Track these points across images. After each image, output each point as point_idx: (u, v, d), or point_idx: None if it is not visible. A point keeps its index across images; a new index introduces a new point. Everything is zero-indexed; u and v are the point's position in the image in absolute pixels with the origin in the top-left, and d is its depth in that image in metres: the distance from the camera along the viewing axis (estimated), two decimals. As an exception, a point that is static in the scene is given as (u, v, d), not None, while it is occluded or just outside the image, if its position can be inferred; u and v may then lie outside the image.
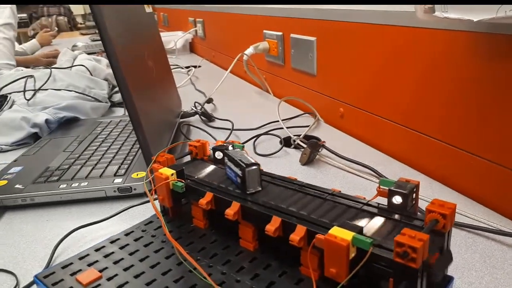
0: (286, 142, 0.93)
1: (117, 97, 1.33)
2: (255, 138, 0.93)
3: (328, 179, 0.74)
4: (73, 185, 0.70)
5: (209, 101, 1.25)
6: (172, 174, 0.50)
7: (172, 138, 0.91)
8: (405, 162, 0.79)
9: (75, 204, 0.70)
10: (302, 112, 1.11)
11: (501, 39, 0.56)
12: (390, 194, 0.42)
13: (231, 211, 0.45)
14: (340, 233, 0.35)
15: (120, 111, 1.26)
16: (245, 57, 1.31)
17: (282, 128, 0.98)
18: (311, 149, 0.80)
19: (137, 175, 0.74)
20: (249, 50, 1.31)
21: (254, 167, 0.45)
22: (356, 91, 0.93)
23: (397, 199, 0.42)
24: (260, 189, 0.46)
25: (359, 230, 0.36)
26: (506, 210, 0.60)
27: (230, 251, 0.47)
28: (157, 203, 0.54)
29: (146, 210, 0.66)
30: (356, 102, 0.94)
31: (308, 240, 0.40)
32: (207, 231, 0.51)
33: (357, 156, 0.80)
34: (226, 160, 0.49)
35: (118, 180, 0.72)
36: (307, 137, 0.93)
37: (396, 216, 0.41)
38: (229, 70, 1.28)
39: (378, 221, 0.40)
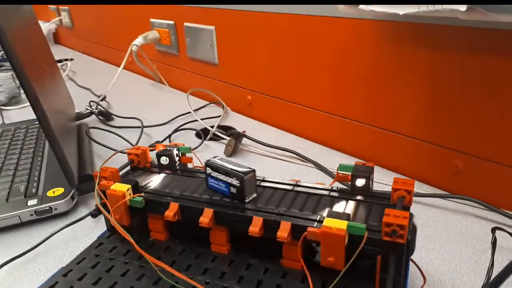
0: (203, 134, 0.92)
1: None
2: (170, 134, 0.89)
3: (256, 167, 0.76)
4: (-24, 217, 0.59)
5: (102, 98, 1.15)
6: (128, 190, 0.46)
7: (77, 145, 0.82)
8: (322, 143, 0.85)
9: (-18, 239, 0.59)
10: (207, 103, 1.11)
11: (405, 29, 0.63)
12: (353, 178, 0.46)
13: (205, 219, 0.43)
14: (334, 224, 0.37)
15: (-5, 119, 1.08)
16: (134, 48, 1.24)
17: (195, 121, 0.96)
18: (236, 140, 0.81)
19: (53, 192, 0.65)
20: (139, 40, 1.23)
21: (251, 173, 0.44)
22: (262, 78, 0.95)
23: (360, 182, 0.45)
24: (256, 195, 0.46)
25: (348, 218, 0.38)
26: (433, 181, 0.68)
27: (204, 258, 0.46)
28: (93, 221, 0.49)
29: (76, 230, 0.59)
30: (263, 89, 0.97)
31: (292, 234, 0.41)
32: (170, 243, 0.49)
33: (276, 141, 0.83)
34: (209, 170, 0.47)
35: (32, 201, 0.63)
36: (221, 128, 0.93)
37: (363, 198, 0.44)
38: (123, 63, 1.20)
39: (351, 205, 0.43)
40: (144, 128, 0.94)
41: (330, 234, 0.37)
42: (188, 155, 0.56)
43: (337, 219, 0.38)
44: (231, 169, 0.44)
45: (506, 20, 0.45)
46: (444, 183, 0.66)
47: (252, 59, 0.96)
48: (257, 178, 0.50)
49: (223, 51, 1.04)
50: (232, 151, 0.81)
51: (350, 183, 0.46)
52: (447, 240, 0.54)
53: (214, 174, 0.46)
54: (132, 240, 0.42)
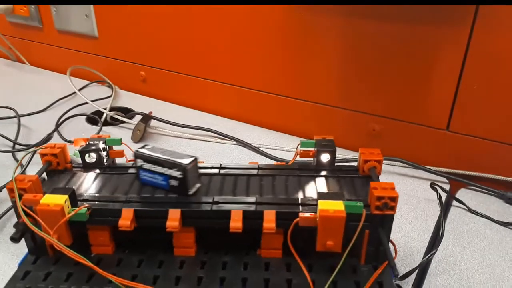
0: (94, 120, 0.80)
1: None
2: (59, 123, 0.75)
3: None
4: None
5: None
6: (65, 201, 0.36)
7: None
8: (233, 118, 0.81)
9: None
10: (88, 82, 0.96)
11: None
12: (318, 153, 0.44)
13: (173, 222, 0.37)
14: (330, 206, 0.35)
15: None
16: (-22, 20, 1.00)
17: (82, 104, 0.83)
18: (145, 124, 0.72)
19: None
20: (-19, 11, 0.99)
21: (193, 162, 0.38)
22: (157, 51, 0.86)
23: (326, 157, 0.44)
24: (200, 185, 0.40)
25: (341, 197, 0.36)
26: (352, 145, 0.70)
27: (170, 266, 0.40)
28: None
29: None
30: (159, 63, 0.88)
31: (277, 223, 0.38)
32: (120, 255, 0.41)
33: (185, 120, 0.76)
34: (140, 163, 0.39)
35: None
36: (116, 110, 0.82)
37: (330, 173, 0.43)
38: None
39: (322, 181, 0.42)
40: (22, 118, 0.78)
41: (330, 217, 0.35)
42: (116, 148, 0.47)
43: (331, 200, 0.36)
44: (169, 159, 0.38)
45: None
46: (363, 146, 0.70)
47: (143, 29, 0.85)
48: (214, 166, 0.45)
49: (104, 21, 0.91)
50: (142, 136, 0.72)
51: (312, 159, 0.45)
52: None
53: (147, 166, 0.39)
54: (89, 263, 0.33)
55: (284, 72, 0.72)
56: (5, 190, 0.55)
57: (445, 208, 0.56)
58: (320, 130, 0.71)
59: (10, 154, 0.67)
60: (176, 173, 0.38)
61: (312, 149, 0.45)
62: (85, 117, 0.80)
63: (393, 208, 0.36)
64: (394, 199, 0.36)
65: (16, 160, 0.66)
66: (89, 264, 0.33)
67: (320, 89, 0.70)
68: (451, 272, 0.46)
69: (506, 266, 0.47)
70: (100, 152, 0.45)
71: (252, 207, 0.38)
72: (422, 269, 0.46)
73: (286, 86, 0.73)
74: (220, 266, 0.40)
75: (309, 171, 0.44)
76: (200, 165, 0.42)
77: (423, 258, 0.46)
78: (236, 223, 0.37)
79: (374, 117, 0.67)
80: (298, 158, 0.46)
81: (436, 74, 0.59)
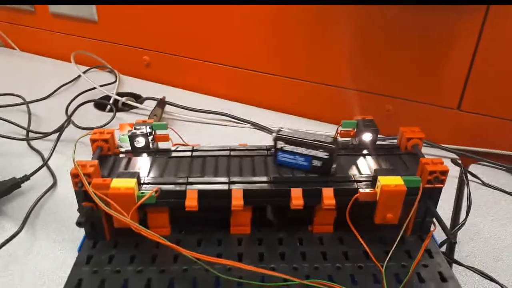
0: (102, 105, 0.79)
1: None
2: (74, 110, 0.73)
3: (192, 136, 0.70)
4: None
5: None
6: (136, 184, 0.37)
7: None
8: (240, 101, 0.82)
9: None
10: (87, 68, 0.94)
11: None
12: (360, 133, 0.46)
13: (238, 201, 0.38)
14: (390, 181, 0.37)
15: None
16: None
17: (89, 90, 0.81)
18: (162, 109, 0.72)
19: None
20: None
21: (338, 144, 0.41)
22: (162, 35, 0.85)
23: (368, 137, 0.46)
24: (335, 165, 0.42)
25: (398, 172, 0.39)
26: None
27: (229, 244, 0.41)
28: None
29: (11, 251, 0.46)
30: (164, 47, 0.87)
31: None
32: (178, 236, 0.42)
33: (196, 105, 0.77)
34: (281, 145, 0.41)
35: None
36: (122, 96, 0.81)
37: (375, 151, 0.46)
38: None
39: (372, 160, 0.44)
40: (30, 104, 0.75)
41: (392, 191, 0.37)
42: (159, 132, 0.47)
43: (390, 176, 0.38)
44: (314, 140, 0.40)
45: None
46: (380, 127, 0.73)
47: (145, 12, 0.84)
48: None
49: (105, 5, 0.89)
50: (158, 122, 0.72)
51: (352, 138, 0.47)
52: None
53: (289, 148, 0.41)
54: (173, 245, 0.34)
55: (295, 55, 0.73)
56: (32, 179, 0.55)
57: (460, 182, 0.60)
58: (336, 113, 0.74)
59: (24, 142, 0.66)
60: (321, 153, 0.40)
61: (353, 129, 0.47)
62: (92, 103, 0.79)
63: (442, 182, 0.39)
64: (445, 173, 0.39)
65: (32, 148, 0.65)
66: (173, 245, 0.34)
67: (335, 72, 0.72)
68: (478, 241, 0.50)
69: (524, 233, 0.51)
70: (148, 137, 0.45)
71: (312, 185, 0.40)
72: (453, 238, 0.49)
73: (298, 69, 0.75)
74: (276, 242, 0.42)
75: (353, 150, 0.46)
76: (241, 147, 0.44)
77: (450, 228, 0.50)
78: (297, 201, 0.39)
79: (388, 98, 0.69)
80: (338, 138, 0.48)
81: (450, 57, 0.62)
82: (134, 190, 0.36)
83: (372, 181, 0.39)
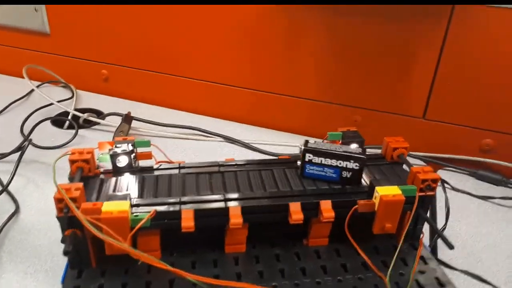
0: (60, 122, 0.74)
1: None
2: (33, 129, 0.67)
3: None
4: None
5: None
6: (130, 207, 0.34)
7: None
8: (206, 114, 0.80)
9: None
10: (39, 83, 0.87)
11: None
12: (347, 144, 0.46)
13: (237, 219, 0.37)
14: (388, 191, 0.38)
15: None
16: None
17: (45, 106, 0.76)
18: (128, 124, 0.69)
19: None
20: None
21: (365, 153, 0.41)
22: (121, 48, 0.82)
23: (354, 147, 0.47)
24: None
25: (391, 182, 0.39)
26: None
27: (226, 264, 0.40)
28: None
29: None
30: (124, 60, 0.83)
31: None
32: (170, 259, 0.40)
33: (158, 119, 0.74)
34: (310, 157, 0.41)
35: None
36: (81, 112, 0.76)
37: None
38: None
39: (366, 170, 0.44)
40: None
41: (390, 201, 0.37)
42: (141, 149, 0.45)
43: (386, 186, 0.38)
44: (344, 151, 0.41)
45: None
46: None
47: (102, 24, 0.80)
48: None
49: (57, 16, 0.84)
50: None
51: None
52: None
53: (318, 160, 0.41)
54: (180, 271, 0.32)
55: (263, 68, 0.73)
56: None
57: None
58: (307, 124, 0.75)
59: (-25, 164, 0.60)
60: (352, 164, 0.40)
61: (338, 140, 0.47)
62: (49, 120, 0.74)
63: (433, 189, 0.40)
64: (436, 180, 0.40)
65: (-14, 171, 0.59)
66: (179, 271, 0.31)
67: (304, 84, 0.72)
68: (457, 243, 0.51)
69: (496, 234, 0.54)
70: (130, 155, 0.42)
71: (310, 198, 0.39)
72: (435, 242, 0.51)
73: (266, 81, 0.75)
74: (273, 259, 0.41)
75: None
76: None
77: (430, 233, 0.51)
78: (297, 215, 0.38)
79: (356, 109, 0.71)
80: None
81: (414, 68, 0.65)
82: (128, 213, 0.34)
83: (368, 191, 0.40)
